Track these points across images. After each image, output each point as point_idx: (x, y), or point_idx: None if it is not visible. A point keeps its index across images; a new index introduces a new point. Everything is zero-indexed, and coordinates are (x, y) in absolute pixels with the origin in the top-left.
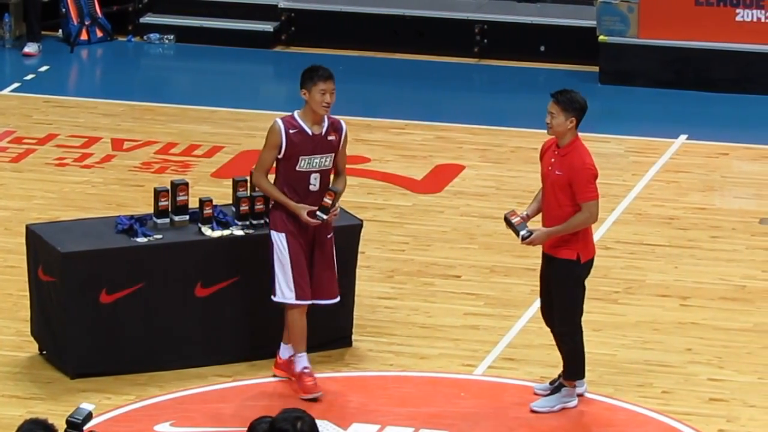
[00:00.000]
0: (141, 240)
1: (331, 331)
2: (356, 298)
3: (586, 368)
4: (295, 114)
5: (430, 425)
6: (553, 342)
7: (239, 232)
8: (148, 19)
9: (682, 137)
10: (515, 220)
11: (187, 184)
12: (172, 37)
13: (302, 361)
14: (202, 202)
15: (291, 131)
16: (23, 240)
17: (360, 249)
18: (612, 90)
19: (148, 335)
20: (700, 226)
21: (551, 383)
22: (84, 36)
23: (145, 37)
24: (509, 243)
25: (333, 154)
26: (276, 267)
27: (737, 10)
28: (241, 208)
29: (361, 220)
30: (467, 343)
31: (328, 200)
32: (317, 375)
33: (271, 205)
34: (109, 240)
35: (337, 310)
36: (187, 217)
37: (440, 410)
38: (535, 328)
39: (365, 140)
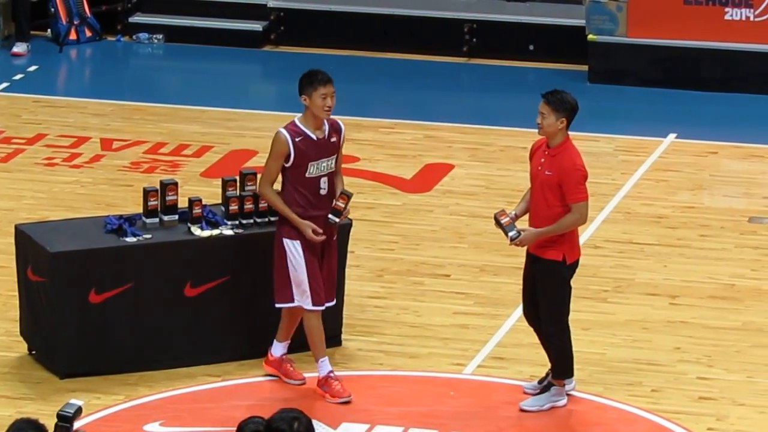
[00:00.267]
0: (130, 240)
1: None
2: (346, 298)
3: (575, 367)
4: (296, 121)
5: (419, 424)
6: None
7: (229, 232)
8: (137, 18)
9: (671, 136)
10: (504, 220)
11: (176, 184)
12: (161, 36)
13: (326, 365)
14: (191, 201)
15: (297, 139)
16: (12, 240)
17: (349, 248)
18: (601, 89)
19: (138, 335)
20: (689, 225)
21: (540, 382)
22: (73, 36)
23: (134, 37)
24: (499, 242)
25: (336, 156)
26: (291, 275)
27: (726, 9)
28: (231, 208)
29: (351, 220)
30: (457, 342)
31: (341, 203)
32: (306, 375)
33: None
34: (98, 240)
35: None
36: (177, 216)
37: (430, 409)
38: (525, 328)
39: (355, 140)
